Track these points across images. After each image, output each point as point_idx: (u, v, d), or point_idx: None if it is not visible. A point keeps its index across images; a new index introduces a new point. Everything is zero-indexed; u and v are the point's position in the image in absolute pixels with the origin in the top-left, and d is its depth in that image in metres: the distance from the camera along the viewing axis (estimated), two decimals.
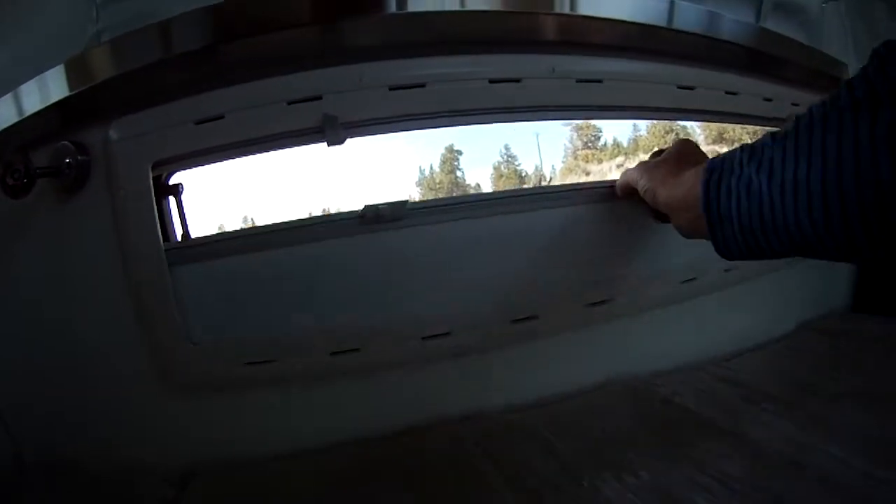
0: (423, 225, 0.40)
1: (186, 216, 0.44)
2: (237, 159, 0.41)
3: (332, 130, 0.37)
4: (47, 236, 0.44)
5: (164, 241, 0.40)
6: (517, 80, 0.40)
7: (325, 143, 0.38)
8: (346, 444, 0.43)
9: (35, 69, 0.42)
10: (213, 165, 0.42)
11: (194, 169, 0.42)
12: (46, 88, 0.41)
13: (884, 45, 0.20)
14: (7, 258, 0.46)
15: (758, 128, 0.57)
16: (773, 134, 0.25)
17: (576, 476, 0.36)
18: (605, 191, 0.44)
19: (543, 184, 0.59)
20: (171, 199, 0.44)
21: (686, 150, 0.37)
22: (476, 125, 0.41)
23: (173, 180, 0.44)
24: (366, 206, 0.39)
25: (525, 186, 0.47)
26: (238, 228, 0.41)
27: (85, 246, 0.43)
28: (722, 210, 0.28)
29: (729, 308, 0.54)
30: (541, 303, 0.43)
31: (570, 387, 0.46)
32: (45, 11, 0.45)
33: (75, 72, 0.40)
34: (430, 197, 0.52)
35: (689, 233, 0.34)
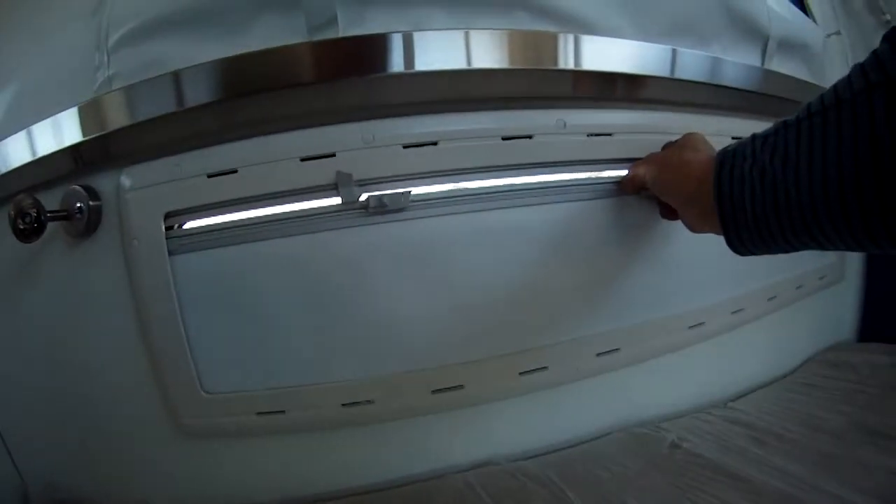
0: (427, 217, 0.39)
1: None
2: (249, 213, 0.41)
3: (346, 188, 0.37)
4: (59, 280, 0.44)
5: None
6: (529, 137, 0.40)
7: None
8: (357, 491, 0.43)
9: (42, 110, 0.42)
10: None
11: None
12: (59, 132, 0.41)
13: (894, 30, 0.20)
14: (19, 301, 0.46)
15: None
16: (784, 121, 0.25)
17: None
18: (612, 186, 0.43)
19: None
20: None
21: (694, 143, 0.37)
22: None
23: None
24: (369, 196, 0.38)
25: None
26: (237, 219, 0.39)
27: (97, 291, 0.43)
28: (735, 199, 0.27)
29: (734, 349, 0.54)
30: (550, 354, 0.44)
31: (579, 434, 0.46)
32: (54, 52, 0.45)
33: (89, 117, 0.40)
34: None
35: (698, 226, 0.34)
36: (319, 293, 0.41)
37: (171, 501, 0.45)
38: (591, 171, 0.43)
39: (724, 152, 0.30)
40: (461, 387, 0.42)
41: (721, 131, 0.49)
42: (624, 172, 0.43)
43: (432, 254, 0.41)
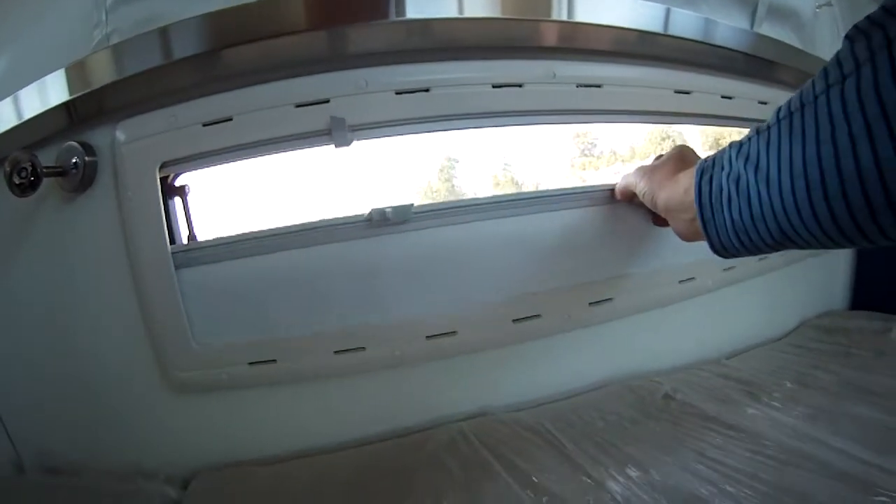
0: (428, 228, 0.41)
1: (192, 217, 0.45)
2: (244, 161, 0.41)
3: (340, 132, 0.38)
4: (53, 235, 0.44)
5: (170, 243, 0.40)
6: (519, 86, 0.41)
7: (332, 146, 0.39)
8: (349, 444, 0.43)
9: (44, 71, 0.42)
10: (219, 168, 0.43)
11: (201, 170, 0.42)
12: (52, 90, 0.41)
13: (853, 27, 0.21)
14: (12, 256, 0.46)
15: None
16: (758, 127, 0.26)
17: (581, 469, 0.36)
18: (605, 194, 0.45)
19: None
20: (178, 199, 0.44)
21: (683, 155, 0.38)
22: (475, 131, 0.42)
23: (179, 181, 0.44)
24: (372, 210, 0.40)
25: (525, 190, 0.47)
26: (244, 232, 0.41)
27: (90, 246, 0.43)
28: (714, 207, 0.28)
29: (728, 308, 0.55)
30: (543, 302, 0.44)
31: (573, 386, 0.47)
32: (53, 13, 0.46)
33: (81, 75, 0.40)
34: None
35: (687, 235, 0.35)
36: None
37: (165, 461, 0.44)
38: (581, 121, 0.43)
39: (704, 161, 0.30)
40: (454, 333, 0.42)
41: (711, 89, 0.50)
42: (617, 175, 0.44)
43: (435, 261, 0.42)
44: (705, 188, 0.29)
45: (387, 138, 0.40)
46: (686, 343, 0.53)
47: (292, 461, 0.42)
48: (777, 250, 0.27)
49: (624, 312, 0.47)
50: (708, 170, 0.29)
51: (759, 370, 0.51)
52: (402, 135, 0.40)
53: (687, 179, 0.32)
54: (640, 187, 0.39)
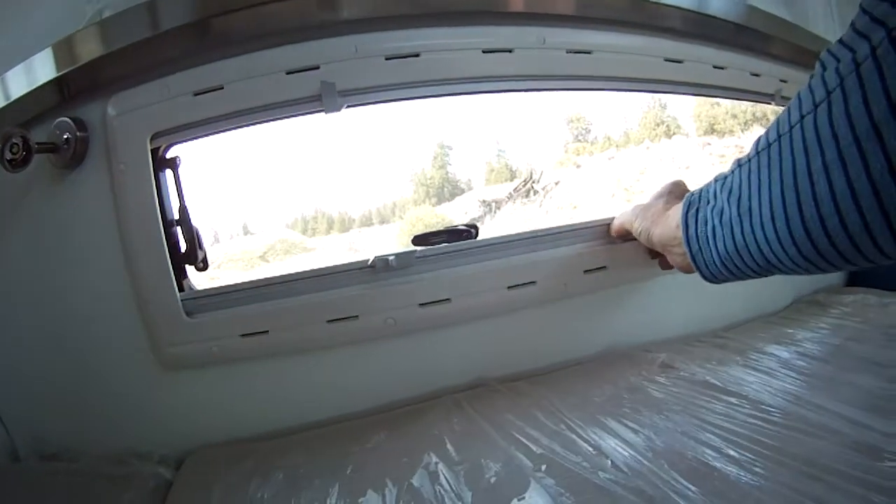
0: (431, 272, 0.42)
1: (183, 189, 0.44)
2: (235, 130, 0.41)
3: (330, 97, 0.38)
4: (44, 214, 0.44)
5: (162, 216, 0.40)
6: (509, 51, 0.41)
7: (322, 112, 0.39)
8: (344, 417, 0.43)
9: (38, 48, 0.42)
10: (210, 140, 0.43)
11: (193, 141, 0.42)
12: (42, 67, 0.41)
13: (826, 51, 0.20)
14: (4, 232, 0.46)
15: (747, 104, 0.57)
16: (739, 159, 0.26)
17: (581, 436, 0.36)
18: (601, 229, 0.45)
19: (535, 177, 0.58)
20: (169, 172, 0.44)
21: (676, 191, 0.38)
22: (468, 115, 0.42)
23: (171, 153, 0.44)
24: (375, 258, 0.40)
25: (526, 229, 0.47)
26: (249, 280, 0.42)
27: (82, 223, 0.43)
28: (700, 240, 0.29)
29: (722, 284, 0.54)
30: (538, 269, 0.43)
31: (569, 355, 0.46)
32: None
33: (69, 50, 0.40)
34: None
35: (685, 268, 0.35)
36: None
37: (160, 441, 0.44)
38: (570, 86, 0.43)
39: (691, 195, 0.31)
40: (447, 300, 0.41)
41: (703, 58, 0.50)
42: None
43: None
44: (691, 222, 0.30)
45: (380, 129, 0.40)
46: (680, 316, 0.52)
47: (287, 437, 0.42)
48: (766, 276, 0.28)
49: (618, 281, 0.46)
50: (694, 203, 0.30)
51: (755, 341, 0.50)
52: (392, 101, 0.40)
53: (677, 214, 0.33)
54: (636, 226, 0.39)
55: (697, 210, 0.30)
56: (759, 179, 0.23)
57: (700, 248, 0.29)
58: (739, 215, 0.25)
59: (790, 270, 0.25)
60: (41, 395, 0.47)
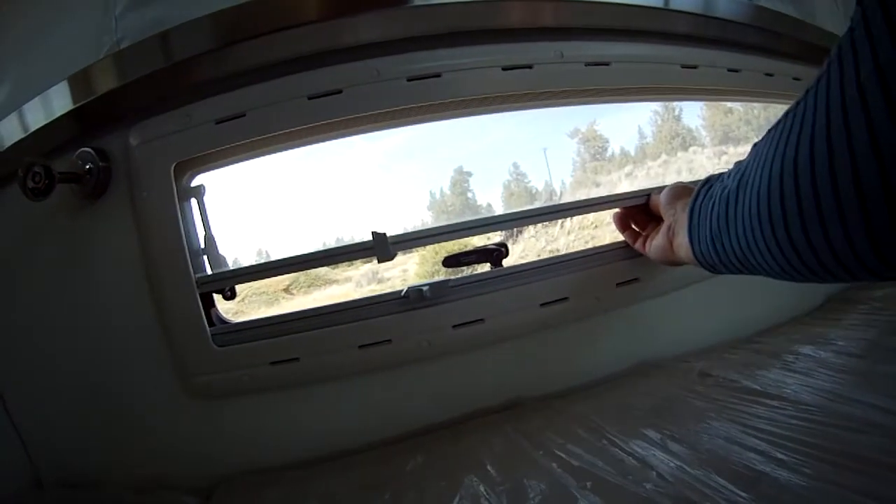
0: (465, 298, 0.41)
1: (209, 218, 0.44)
2: (257, 159, 0.41)
3: (382, 247, 0.38)
4: (69, 244, 0.44)
5: (187, 245, 0.40)
6: (529, 67, 0.41)
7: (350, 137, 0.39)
8: (378, 444, 0.42)
9: (55, 80, 0.42)
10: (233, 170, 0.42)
11: (216, 171, 0.42)
12: (58, 99, 0.41)
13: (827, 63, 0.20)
14: (29, 266, 0.46)
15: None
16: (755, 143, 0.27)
17: (623, 450, 0.35)
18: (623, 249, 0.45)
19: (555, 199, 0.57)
20: (194, 201, 0.44)
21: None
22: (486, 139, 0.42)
23: (195, 182, 0.44)
24: (409, 289, 0.40)
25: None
26: (280, 314, 0.42)
27: (106, 253, 0.42)
28: (702, 212, 0.30)
29: (755, 288, 0.53)
30: (570, 285, 0.43)
31: (603, 371, 0.45)
32: (64, 21, 0.46)
33: (86, 82, 0.40)
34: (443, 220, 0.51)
35: (670, 254, 0.36)
36: None
37: (188, 470, 0.43)
38: (591, 101, 0.43)
39: (713, 174, 0.32)
40: (481, 321, 0.41)
41: (717, 62, 0.50)
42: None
43: None
44: (702, 194, 0.31)
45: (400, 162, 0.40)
46: (714, 323, 0.51)
47: (320, 464, 0.41)
48: (747, 268, 0.27)
49: (652, 292, 0.46)
50: (711, 180, 0.31)
51: (790, 343, 0.50)
52: (415, 124, 0.40)
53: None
54: (664, 202, 0.39)
55: (711, 186, 0.30)
56: (760, 151, 0.24)
57: (699, 222, 0.30)
58: (738, 188, 0.25)
59: (767, 265, 0.24)
60: (65, 422, 0.46)
